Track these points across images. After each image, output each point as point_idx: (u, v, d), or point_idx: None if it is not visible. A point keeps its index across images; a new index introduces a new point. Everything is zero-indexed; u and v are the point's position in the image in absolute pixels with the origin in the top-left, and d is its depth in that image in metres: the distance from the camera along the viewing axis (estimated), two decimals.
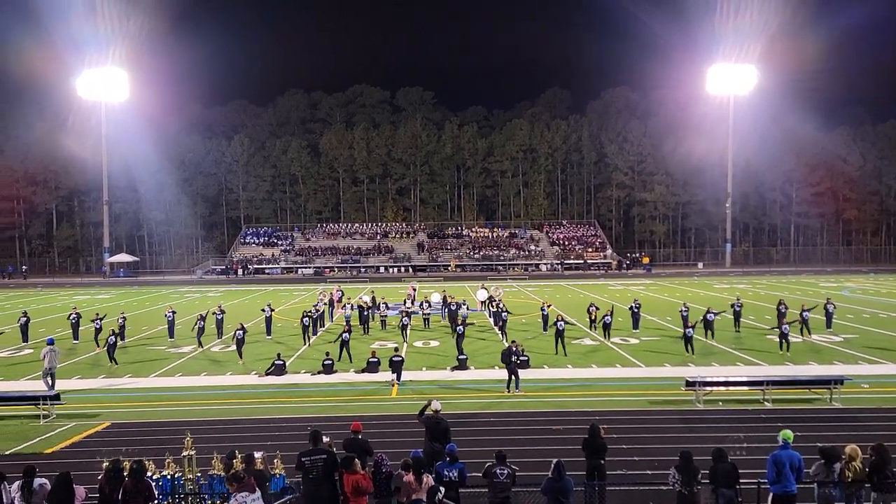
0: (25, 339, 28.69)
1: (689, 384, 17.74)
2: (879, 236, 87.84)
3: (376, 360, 21.99)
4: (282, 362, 22.05)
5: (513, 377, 18.74)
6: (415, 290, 39.78)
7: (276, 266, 76.41)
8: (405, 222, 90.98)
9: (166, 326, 29.95)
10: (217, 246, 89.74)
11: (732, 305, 30.34)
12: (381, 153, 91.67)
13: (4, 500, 9.26)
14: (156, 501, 9.50)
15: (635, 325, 29.70)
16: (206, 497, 10.32)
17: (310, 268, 75.75)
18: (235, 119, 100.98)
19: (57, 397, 17.41)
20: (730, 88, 75.40)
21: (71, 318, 29.60)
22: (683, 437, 14.74)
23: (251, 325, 30.50)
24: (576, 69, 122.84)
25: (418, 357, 24.41)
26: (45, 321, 35.22)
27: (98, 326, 27.46)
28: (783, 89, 75.34)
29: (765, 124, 77.95)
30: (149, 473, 10.15)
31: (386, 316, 32.20)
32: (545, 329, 29.42)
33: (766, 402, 17.42)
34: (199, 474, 11.11)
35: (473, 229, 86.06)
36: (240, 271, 74.28)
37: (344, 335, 23.95)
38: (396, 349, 21.47)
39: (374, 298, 34.86)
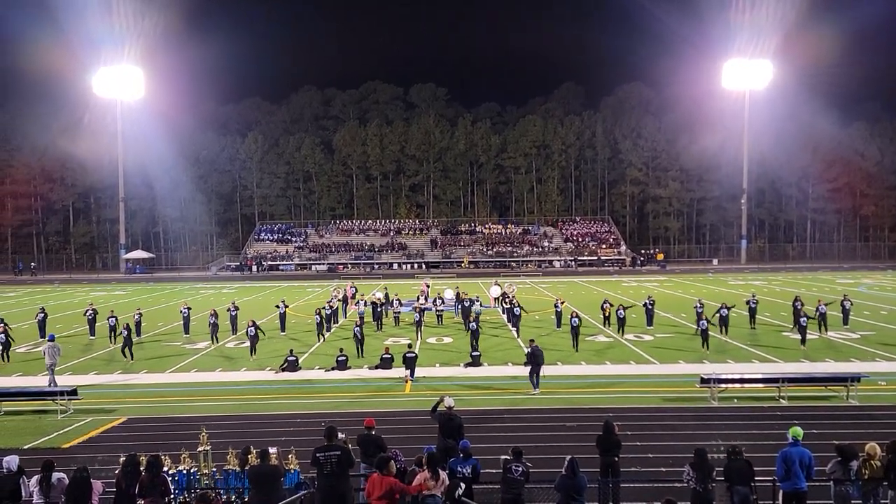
0: (43, 334, 29.01)
1: (704, 381, 17.65)
2: None
3: (390, 356, 22.11)
4: (295, 358, 22.21)
5: (534, 376, 18.52)
6: (428, 286, 39.86)
7: (290, 263, 76.78)
8: (418, 219, 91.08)
9: (181, 322, 30.25)
10: (231, 243, 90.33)
11: (748, 302, 30.14)
12: (395, 150, 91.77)
13: (24, 494, 9.34)
14: (171, 496, 9.55)
15: (649, 322, 29.64)
16: (223, 492, 10.39)
17: (323, 264, 76.03)
18: (249, 116, 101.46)
19: (74, 392, 17.59)
20: (745, 84, 74.70)
21: (87, 314, 29.91)
22: (698, 434, 14.67)
23: (265, 322, 30.80)
24: (589, 65, 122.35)
25: (431, 353, 24.48)
26: (63, 317, 35.64)
27: (112, 325, 27.63)
28: (799, 84, 74.57)
29: (781, 120, 77.12)
30: (165, 468, 10.21)
31: (399, 312, 32.35)
32: (559, 326, 29.51)
33: (781, 400, 17.29)
34: (214, 469, 11.17)
35: (487, 226, 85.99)
36: (254, 268, 74.75)
37: (355, 329, 24.16)
38: (410, 345, 21.63)
39: (387, 295, 35.00)
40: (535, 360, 18.36)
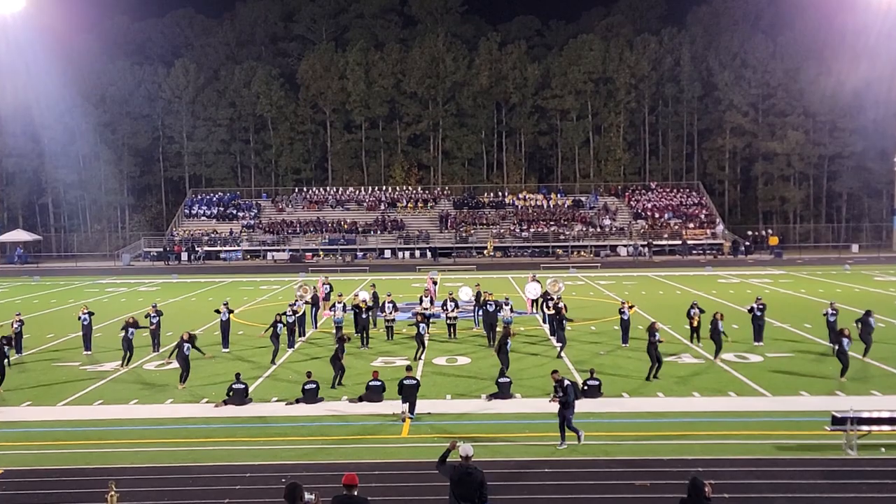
0: None
1: (837, 422, 17.49)
2: None
3: (379, 383, 22.09)
4: (243, 386, 22.24)
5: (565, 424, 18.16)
6: (435, 283, 39.75)
7: (237, 249, 77.25)
8: (421, 186, 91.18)
9: (80, 334, 30.34)
10: (151, 220, 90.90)
11: None
12: (387, 85, 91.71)
13: None
14: None
15: (758, 337, 29.57)
16: None
17: (284, 251, 76.34)
18: (177, 37, 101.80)
19: None
20: None
21: None
22: (828, 498, 14.60)
23: (202, 333, 30.76)
24: None
25: (440, 380, 24.55)
26: None
27: None
28: None
29: None
30: None
31: (393, 321, 32.24)
32: (625, 341, 29.56)
33: None
34: None
35: (520, 196, 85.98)
36: (184, 256, 75.15)
37: (338, 346, 24.47)
38: (409, 368, 21.50)
39: (375, 295, 34.86)
40: (572, 396, 18.12)
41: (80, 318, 30.33)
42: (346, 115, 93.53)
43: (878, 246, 79.20)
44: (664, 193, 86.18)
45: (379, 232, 79.36)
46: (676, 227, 78.71)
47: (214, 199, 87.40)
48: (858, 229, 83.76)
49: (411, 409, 20.29)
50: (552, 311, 30.78)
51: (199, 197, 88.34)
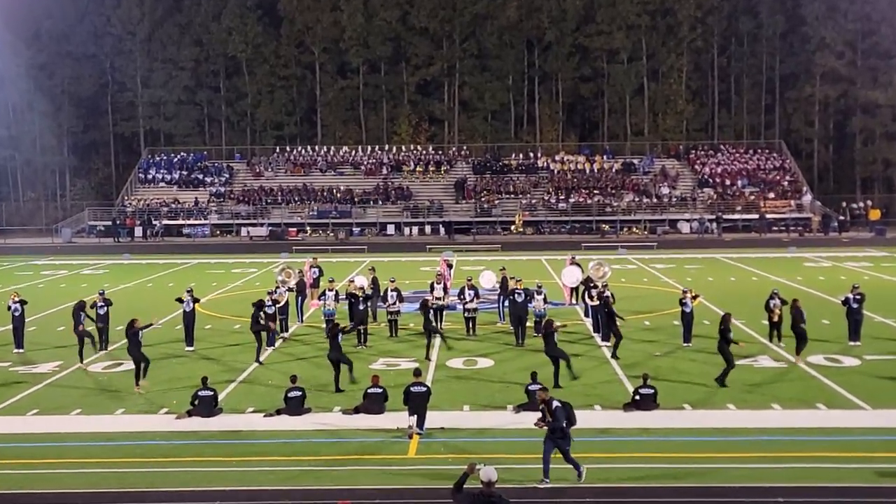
0: None
1: None
2: None
3: (380, 390, 22.06)
4: (212, 393, 22.21)
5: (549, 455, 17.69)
6: (450, 267, 39.74)
7: (204, 223, 77.30)
8: (433, 145, 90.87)
9: (10, 327, 30.49)
10: (98, 186, 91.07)
11: None
12: (391, 19, 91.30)
13: None
14: None
15: (853, 335, 29.48)
16: None
17: (262, 226, 76.36)
18: None
19: None
20: None
21: None
22: None
23: (161, 328, 30.75)
24: None
25: (456, 386, 24.58)
26: None
27: None
28: None
29: None
30: None
31: (398, 313, 32.20)
32: (687, 340, 29.48)
33: None
34: None
35: (557, 157, 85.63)
36: (138, 231, 75.27)
37: (332, 344, 24.63)
38: (417, 372, 21.48)
39: (375, 282, 34.80)
40: (565, 420, 17.65)
41: (9, 307, 30.34)
42: (340, 56, 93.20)
43: None
44: (737, 155, 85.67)
45: (380, 203, 79.32)
46: (752, 197, 78.27)
47: (176, 160, 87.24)
48: None
49: (420, 423, 20.13)
50: (596, 302, 30.63)
51: (157, 158, 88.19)
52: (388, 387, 22.31)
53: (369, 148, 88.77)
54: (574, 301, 37.72)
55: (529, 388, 22.17)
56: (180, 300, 30.54)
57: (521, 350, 29.23)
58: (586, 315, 34.34)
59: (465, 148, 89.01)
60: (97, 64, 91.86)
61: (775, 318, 29.36)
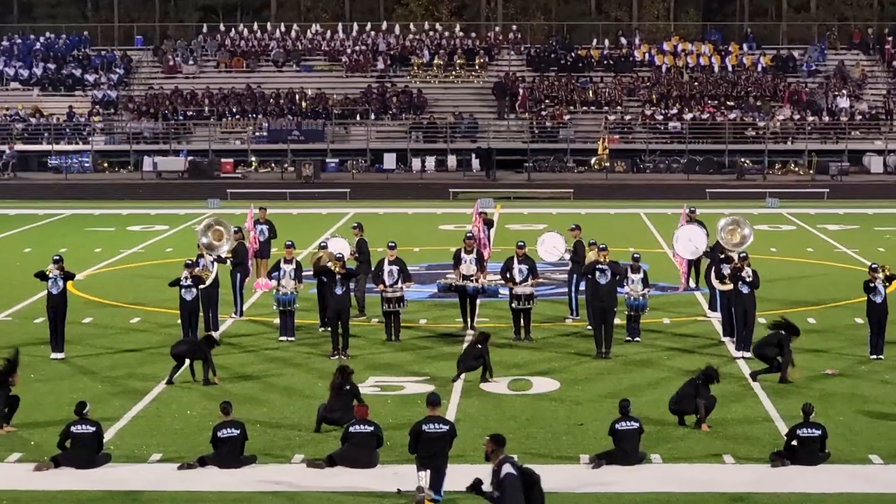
0: None
1: None
2: None
3: (370, 429, 17.98)
4: (93, 429, 17.84)
5: None
6: (489, 225, 33.45)
7: (83, 149, 65.98)
8: (460, 24, 77.02)
9: None
10: None
11: None
12: None
13: None
14: None
15: None
16: None
17: (178, 154, 65.13)
18: None
19: None
20: None
21: None
22: None
23: (16, 314, 28.68)
24: None
25: (496, 422, 19.23)
26: None
27: None
28: None
29: None
30: None
31: (400, 301, 26.37)
32: (877, 348, 23.94)
33: None
34: None
35: (667, 47, 72.45)
36: None
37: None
38: (433, 401, 16.95)
39: (363, 247, 29.02)
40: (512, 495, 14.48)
41: None
42: None
43: None
44: None
45: (373, 117, 68.08)
46: None
47: (38, 46, 75.29)
48: None
49: (437, 483, 15.73)
50: (729, 286, 24.13)
51: (6, 42, 75.89)
52: (385, 425, 18.15)
53: (355, 27, 75.35)
54: (694, 284, 31.29)
55: (617, 426, 18.08)
56: (43, 276, 25.00)
57: (606, 364, 23.55)
58: (712, 308, 27.60)
59: (514, 29, 75.80)
60: None
61: None
